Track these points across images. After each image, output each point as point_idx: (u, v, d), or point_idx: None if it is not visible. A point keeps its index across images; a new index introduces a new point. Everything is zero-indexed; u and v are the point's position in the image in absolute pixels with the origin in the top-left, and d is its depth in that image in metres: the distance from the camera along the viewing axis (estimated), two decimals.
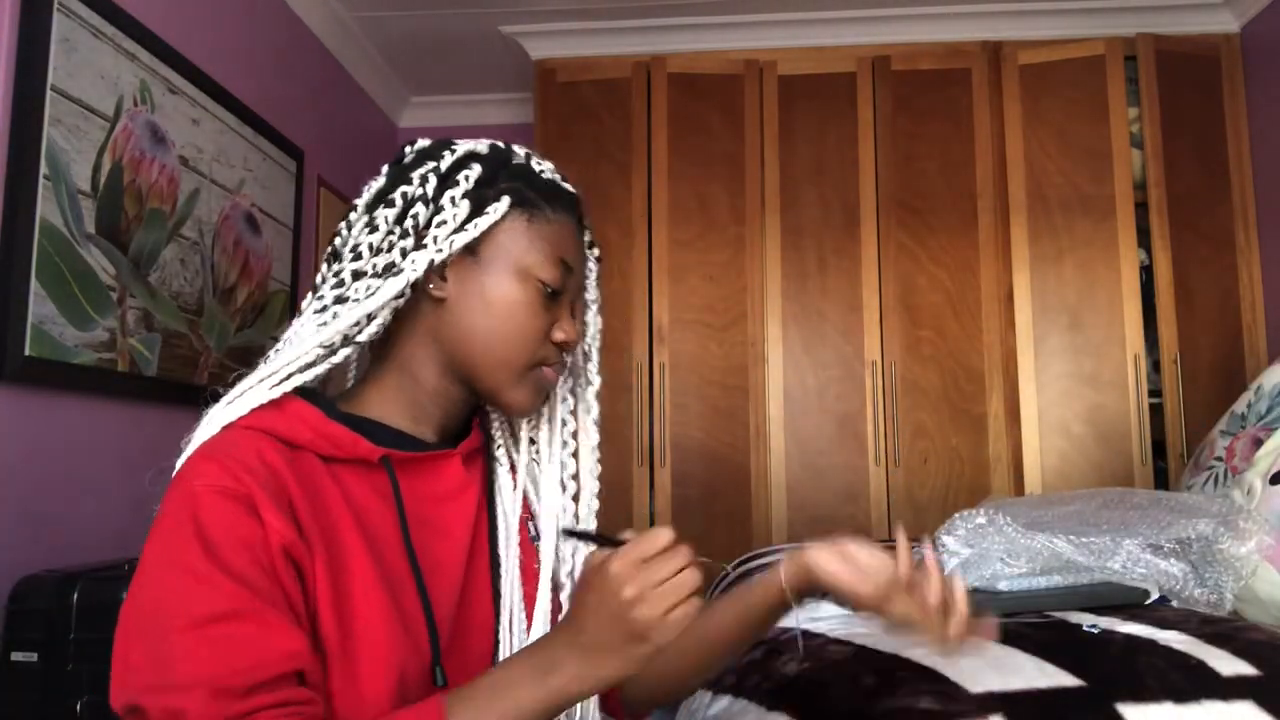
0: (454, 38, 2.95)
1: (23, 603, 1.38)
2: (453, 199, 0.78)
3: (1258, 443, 1.35)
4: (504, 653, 0.79)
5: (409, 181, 0.79)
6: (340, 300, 0.77)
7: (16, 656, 1.36)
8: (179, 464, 0.69)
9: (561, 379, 0.90)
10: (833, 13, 2.78)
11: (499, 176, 0.81)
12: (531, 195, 0.81)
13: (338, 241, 0.82)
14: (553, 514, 0.86)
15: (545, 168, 0.85)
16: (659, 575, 0.61)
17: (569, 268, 0.82)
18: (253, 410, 0.72)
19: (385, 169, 0.84)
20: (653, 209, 2.72)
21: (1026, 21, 2.77)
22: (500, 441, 0.89)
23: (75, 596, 1.34)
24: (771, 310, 2.69)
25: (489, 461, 0.88)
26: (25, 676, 1.34)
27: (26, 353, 1.53)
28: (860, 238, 2.70)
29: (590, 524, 0.88)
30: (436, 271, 0.78)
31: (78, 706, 1.33)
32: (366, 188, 0.83)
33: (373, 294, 0.76)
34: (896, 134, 2.72)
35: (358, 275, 0.77)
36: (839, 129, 2.75)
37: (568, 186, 0.86)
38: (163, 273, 1.92)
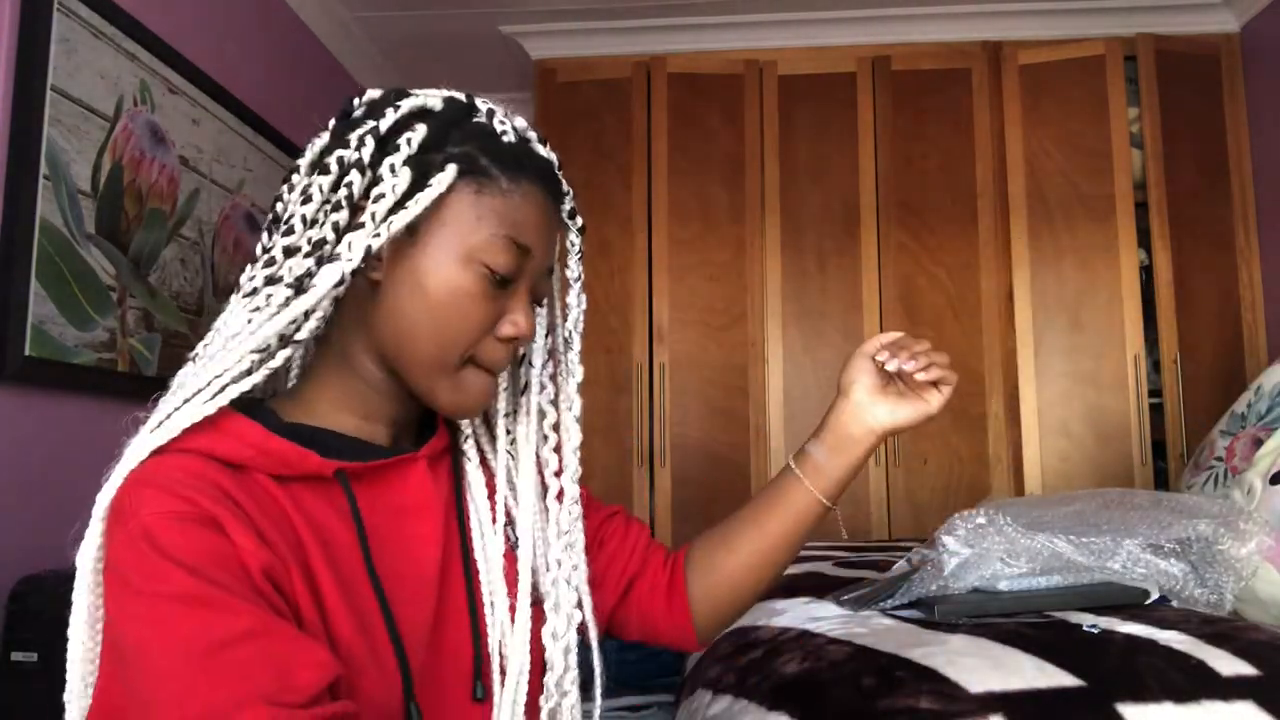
0: (454, 38, 2.95)
1: (23, 603, 1.38)
2: (392, 167, 0.67)
3: (1258, 443, 1.35)
4: (494, 676, 0.72)
5: (346, 144, 0.68)
6: (271, 280, 0.66)
7: (16, 656, 1.35)
8: (102, 503, 0.60)
9: (540, 364, 0.81)
10: (833, 13, 2.78)
11: (449, 139, 0.69)
12: (484, 162, 0.69)
13: (279, 207, 0.71)
14: (530, 516, 0.77)
15: (511, 127, 0.73)
16: None
17: (525, 250, 0.70)
18: (184, 433, 0.62)
19: (331, 124, 0.73)
20: (653, 209, 2.72)
21: (1026, 21, 2.77)
22: (469, 434, 0.80)
23: None
24: (771, 310, 2.69)
25: (457, 459, 0.78)
26: (25, 676, 1.34)
27: (26, 353, 1.53)
28: (860, 238, 2.70)
29: (573, 529, 0.78)
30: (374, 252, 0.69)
31: None
32: (310, 145, 0.71)
33: (308, 286, 0.65)
34: (896, 134, 2.73)
35: (289, 252, 0.67)
36: (839, 129, 2.75)
37: (539, 149, 0.74)
38: (163, 273, 1.92)
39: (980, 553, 1.05)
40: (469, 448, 0.79)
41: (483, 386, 0.72)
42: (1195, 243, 2.62)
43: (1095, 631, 0.91)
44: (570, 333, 0.82)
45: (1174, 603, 1.08)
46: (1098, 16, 2.74)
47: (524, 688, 0.73)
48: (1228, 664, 0.81)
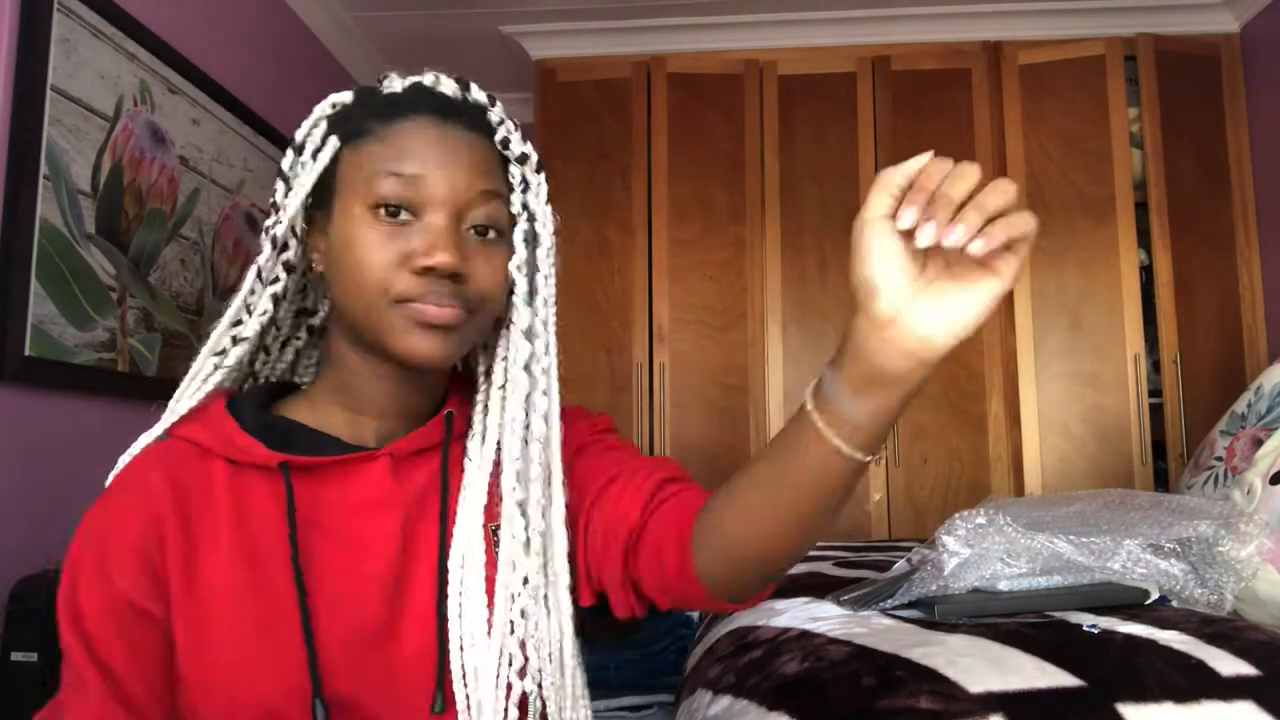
0: (454, 38, 2.95)
1: (23, 603, 1.38)
2: (302, 165, 0.73)
3: (1258, 443, 1.35)
4: (458, 684, 0.69)
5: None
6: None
7: (16, 656, 1.35)
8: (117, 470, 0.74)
9: (525, 326, 0.76)
10: (833, 13, 2.78)
11: (349, 121, 0.73)
12: (360, 122, 0.72)
13: None
14: (511, 495, 0.73)
15: (400, 79, 0.74)
16: None
17: (411, 177, 0.69)
18: (183, 420, 0.74)
19: None
20: (653, 209, 2.72)
21: (1026, 21, 2.77)
22: (476, 431, 0.77)
23: None
24: (771, 310, 2.69)
25: (446, 457, 0.76)
26: (25, 676, 1.34)
27: (26, 353, 1.53)
28: None
29: (551, 508, 0.74)
30: (310, 245, 0.75)
31: None
32: None
33: (247, 288, 0.75)
34: (896, 134, 2.72)
35: (258, 274, 0.76)
36: (839, 129, 2.75)
37: (441, 88, 0.73)
38: (163, 273, 1.92)
39: (980, 553, 1.05)
40: (474, 444, 0.76)
41: (423, 322, 0.68)
42: (1195, 243, 2.62)
43: (1095, 631, 0.91)
44: (513, 275, 0.74)
45: (1174, 603, 1.08)
46: (1098, 16, 2.74)
47: (493, 703, 0.68)
48: (1228, 664, 0.81)
